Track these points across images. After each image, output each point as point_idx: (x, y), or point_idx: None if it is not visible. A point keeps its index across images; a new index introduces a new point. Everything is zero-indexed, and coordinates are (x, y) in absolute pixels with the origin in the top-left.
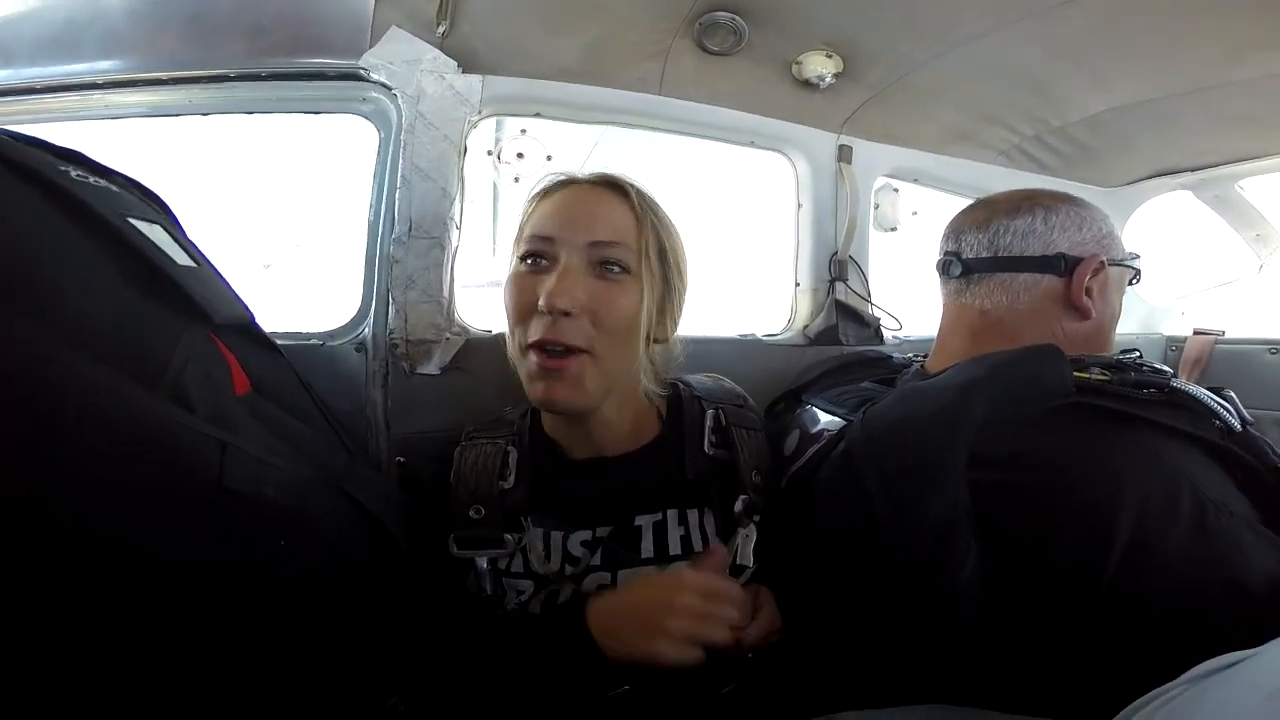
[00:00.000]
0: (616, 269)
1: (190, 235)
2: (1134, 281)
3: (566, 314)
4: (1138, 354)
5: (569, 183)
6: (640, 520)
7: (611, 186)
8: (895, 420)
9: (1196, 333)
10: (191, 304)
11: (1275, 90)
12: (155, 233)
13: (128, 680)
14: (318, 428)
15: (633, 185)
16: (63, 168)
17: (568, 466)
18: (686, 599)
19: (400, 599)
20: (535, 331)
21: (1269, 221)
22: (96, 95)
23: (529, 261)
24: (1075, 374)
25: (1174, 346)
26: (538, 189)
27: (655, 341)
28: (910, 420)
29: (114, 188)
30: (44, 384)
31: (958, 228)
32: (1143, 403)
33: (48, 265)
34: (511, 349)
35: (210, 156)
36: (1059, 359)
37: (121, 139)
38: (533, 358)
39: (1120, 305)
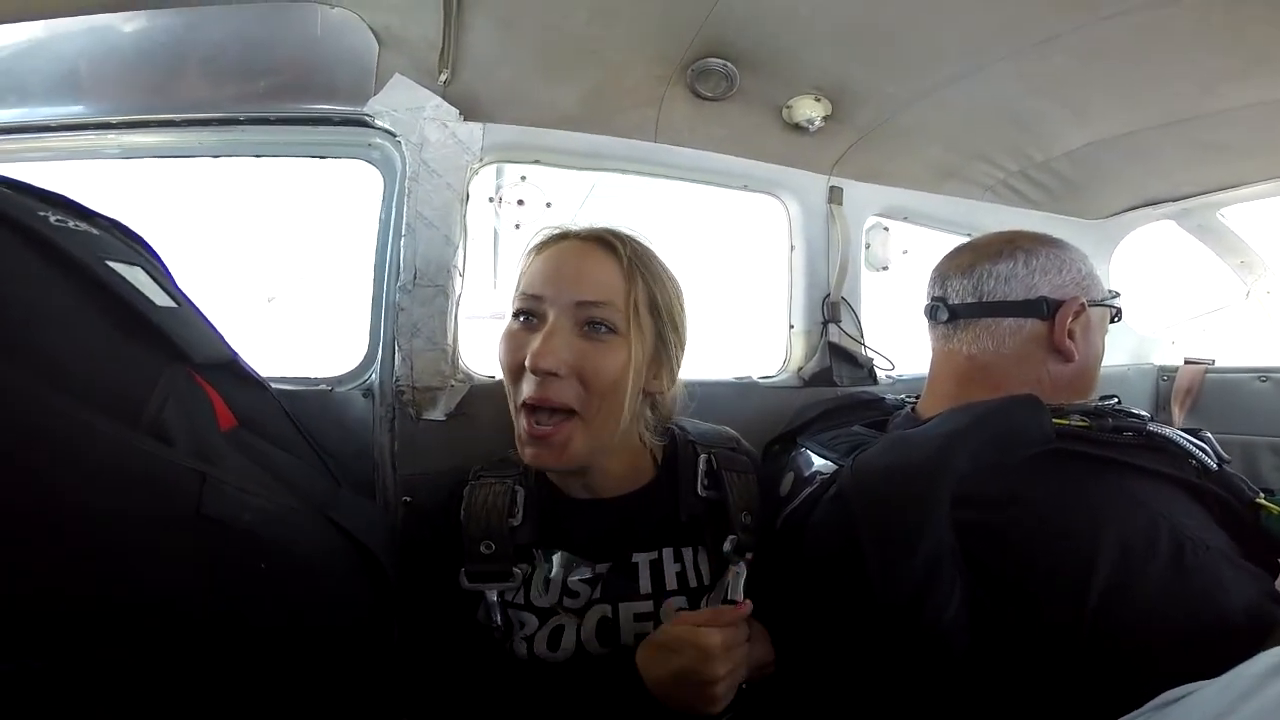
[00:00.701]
0: (603, 329)
1: (174, 276)
2: (1115, 320)
3: (553, 374)
4: (1116, 400)
5: (563, 237)
6: (638, 558)
7: (602, 243)
8: (884, 468)
9: (1187, 362)
10: (170, 344)
11: (1249, 120)
12: (135, 274)
13: (107, 709)
14: (306, 459)
15: (625, 240)
16: (41, 213)
17: (571, 506)
18: (720, 668)
19: (390, 631)
20: (526, 391)
21: (1252, 248)
22: (110, 135)
23: (521, 319)
24: (1055, 421)
25: (1165, 376)
26: (533, 243)
27: (648, 394)
28: (897, 468)
29: (94, 230)
30: (18, 421)
31: (943, 273)
32: (1121, 446)
33: (24, 310)
34: (510, 402)
35: (220, 195)
36: (1038, 409)
37: (131, 176)
38: (522, 422)
39: (1103, 345)
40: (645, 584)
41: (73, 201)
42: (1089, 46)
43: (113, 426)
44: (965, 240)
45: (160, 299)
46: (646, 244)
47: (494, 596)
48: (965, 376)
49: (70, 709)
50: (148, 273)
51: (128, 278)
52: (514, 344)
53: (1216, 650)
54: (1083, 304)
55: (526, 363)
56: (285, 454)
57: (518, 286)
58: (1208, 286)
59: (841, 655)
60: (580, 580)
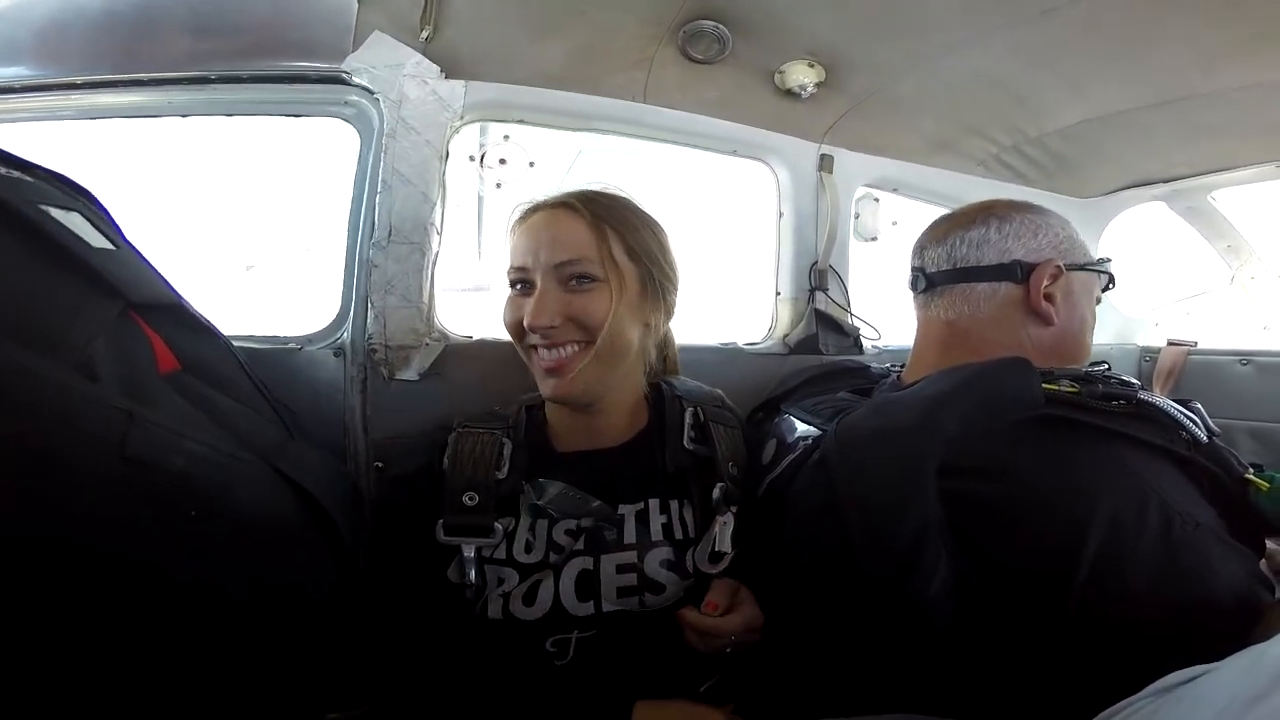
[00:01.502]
0: (585, 280)
1: (117, 222)
2: (1108, 288)
3: (551, 328)
4: (1107, 366)
5: (536, 209)
6: (624, 509)
7: (567, 207)
8: (868, 431)
9: (1170, 344)
10: (104, 282)
11: (1246, 101)
12: (71, 219)
13: (17, 655)
14: (258, 409)
15: (588, 198)
16: None
17: (558, 459)
18: None
19: (348, 591)
20: (534, 341)
21: (1240, 233)
22: (75, 96)
23: (516, 288)
24: (1045, 386)
25: (1148, 357)
26: (513, 220)
27: (653, 327)
28: (883, 432)
29: (28, 179)
30: None
31: (922, 244)
32: (1111, 415)
33: None
34: (522, 355)
35: (196, 158)
36: (1029, 371)
37: (111, 140)
38: (537, 360)
39: (1091, 312)
40: (630, 535)
41: (10, 154)
42: (1089, 19)
43: (31, 358)
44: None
45: (96, 240)
46: (617, 196)
47: (470, 551)
48: (945, 342)
49: None
50: (85, 217)
51: (63, 222)
52: (513, 308)
53: (1202, 629)
54: (1059, 266)
55: (527, 323)
56: (232, 401)
57: (510, 255)
58: (1193, 269)
59: (825, 625)
60: (565, 532)
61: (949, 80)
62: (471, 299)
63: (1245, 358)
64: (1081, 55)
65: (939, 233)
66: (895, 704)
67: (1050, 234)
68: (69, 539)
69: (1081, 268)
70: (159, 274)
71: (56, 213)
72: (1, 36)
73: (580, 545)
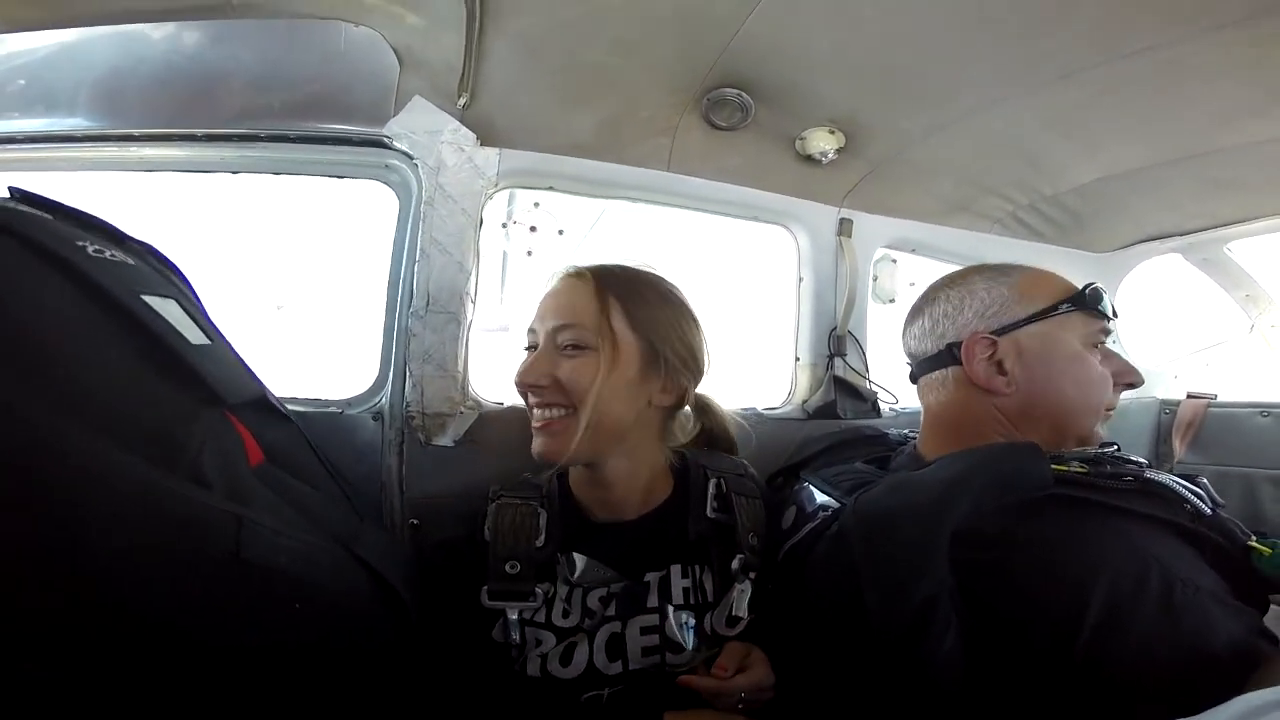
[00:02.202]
0: (576, 347)
1: (204, 304)
2: (1107, 319)
3: (538, 386)
4: (1116, 447)
5: (558, 276)
6: (649, 576)
7: (578, 275)
8: (886, 510)
9: (1190, 396)
10: (205, 386)
11: (1261, 155)
12: (169, 309)
13: None
14: (328, 491)
15: (600, 268)
16: (80, 242)
17: (590, 529)
18: None
19: (407, 657)
20: (529, 400)
21: (1258, 282)
22: (133, 148)
23: (527, 350)
24: (1055, 467)
25: (1168, 410)
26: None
27: (657, 405)
28: (899, 511)
29: (129, 260)
30: (66, 470)
31: (903, 332)
32: (1117, 492)
33: (68, 350)
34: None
35: (232, 206)
36: (1038, 456)
37: (148, 186)
38: (531, 418)
39: (1072, 363)
40: (653, 599)
41: (107, 225)
42: (1107, 82)
43: (150, 469)
44: None
45: (194, 336)
46: (638, 270)
47: (514, 615)
48: (936, 423)
49: None
50: (181, 306)
51: (162, 313)
52: (519, 368)
53: (1201, 684)
54: (985, 337)
55: (516, 379)
56: (309, 488)
57: None
58: (1212, 320)
59: (839, 685)
60: (598, 599)
61: (966, 143)
62: (494, 339)
63: (1266, 410)
64: (1099, 115)
65: (904, 327)
66: None
67: (975, 303)
68: (186, 639)
69: (1023, 323)
70: (246, 366)
71: (154, 302)
72: (65, 80)
73: (611, 611)
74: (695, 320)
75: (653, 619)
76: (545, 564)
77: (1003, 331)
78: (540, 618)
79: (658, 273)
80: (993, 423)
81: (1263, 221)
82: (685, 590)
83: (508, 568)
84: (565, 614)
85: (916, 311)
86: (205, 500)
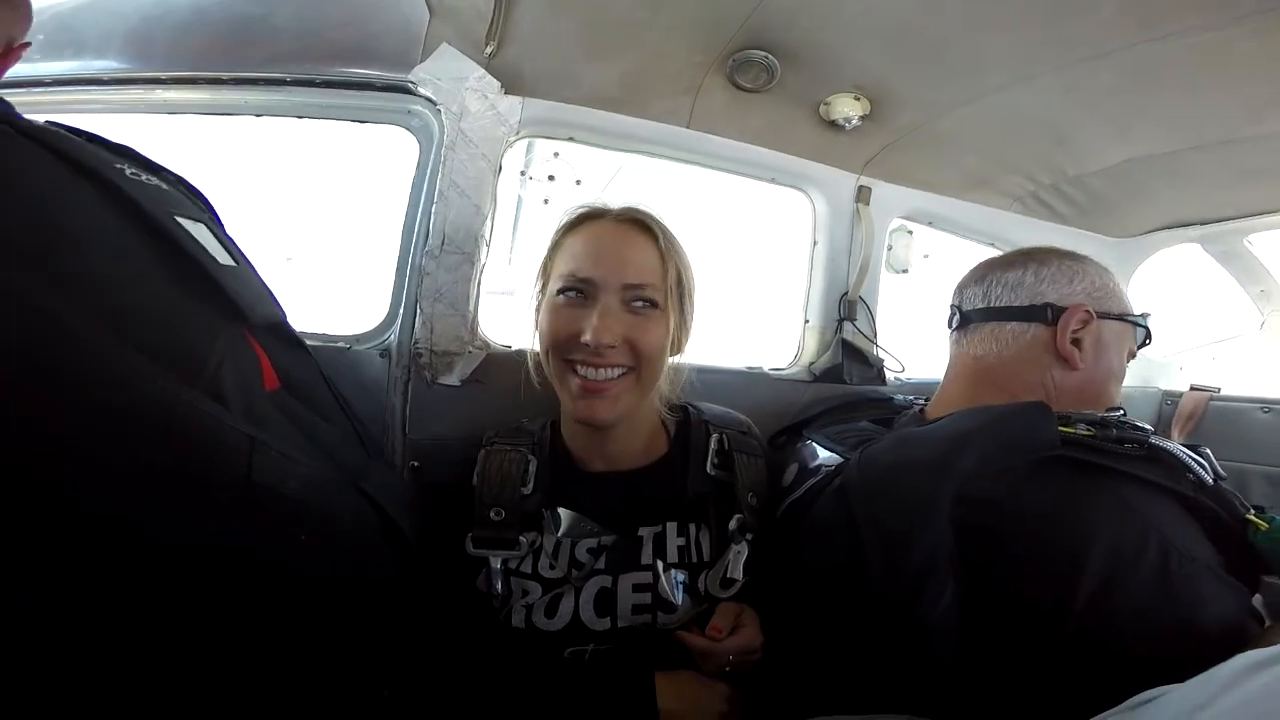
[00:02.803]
0: (648, 306)
1: (229, 232)
2: (1145, 344)
3: (610, 347)
4: (1122, 412)
5: (598, 215)
6: (643, 531)
7: (641, 227)
8: (889, 464)
9: (1193, 388)
10: (230, 303)
11: None
12: (199, 231)
13: (142, 659)
14: (339, 425)
15: (659, 224)
16: (118, 165)
17: (582, 478)
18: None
19: (406, 595)
20: (579, 357)
21: (1274, 277)
22: (159, 91)
23: (568, 295)
24: (1061, 429)
25: (1169, 401)
26: (567, 220)
27: (671, 357)
28: (903, 465)
29: (163, 185)
30: (92, 373)
31: (961, 284)
32: (1121, 456)
33: (101, 256)
34: (548, 368)
35: (237, 152)
36: (1046, 416)
37: (163, 130)
38: (575, 381)
39: (1121, 363)
40: (647, 555)
41: (140, 155)
42: (1140, 65)
43: (175, 385)
44: (989, 249)
45: (222, 257)
46: (667, 224)
47: (497, 563)
48: (972, 378)
49: (103, 656)
50: (210, 229)
51: (194, 234)
52: (565, 318)
53: (1190, 657)
54: (1088, 311)
55: (586, 337)
56: (321, 419)
57: (551, 263)
58: (1223, 314)
59: (832, 643)
60: (586, 550)
61: (994, 118)
62: (499, 301)
63: (1267, 406)
64: (1131, 98)
65: (978, 273)
66: (893, 710)
67: (1086, 281)
68: (189, 562)
69: (1115, 317)
70: (269, 290)
71: (188, 224)
72: (97, 27)
73: (601, 564)
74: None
75: (646, 576)
76: (532, 514)
77: (1101, 316)
78: (526, 567)
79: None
80: (1039, 388)
81: None
82: (680, 548)
83: (492, 514)
84: (552, 566)
85: (1013, 264)
86: (221, 418)
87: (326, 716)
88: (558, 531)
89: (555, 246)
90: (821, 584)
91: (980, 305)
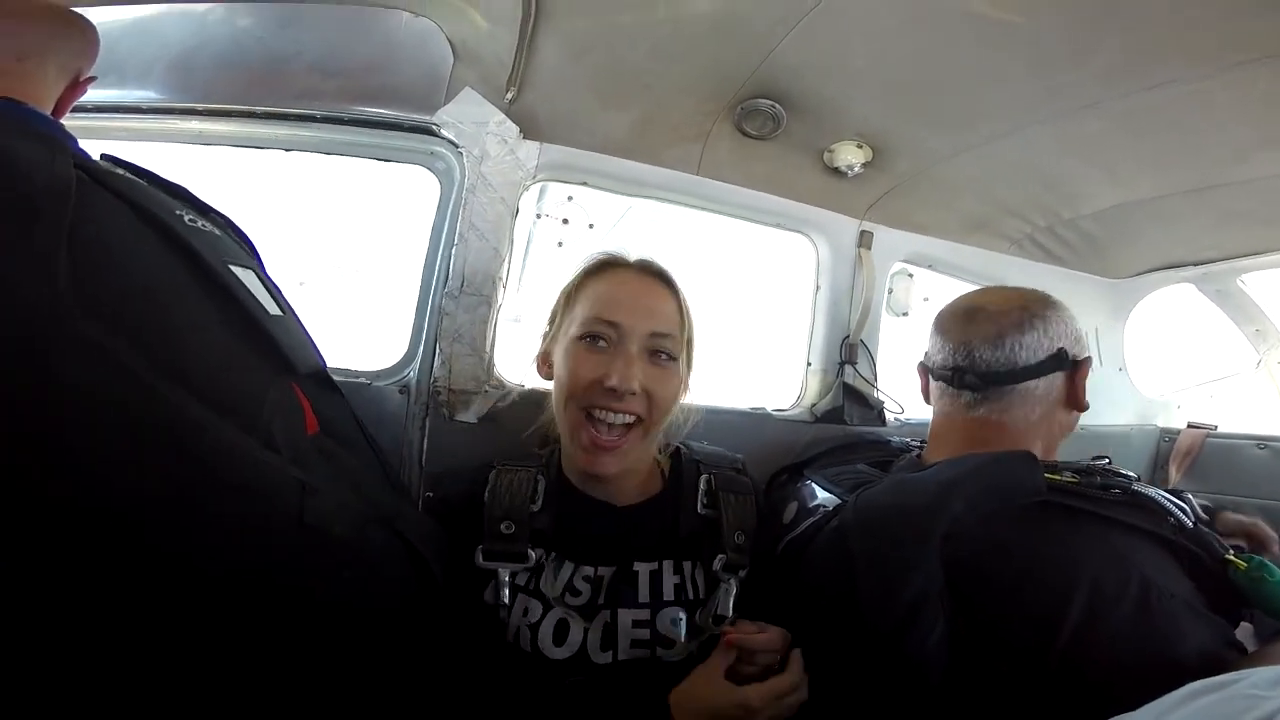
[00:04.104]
0: (666, 358)
1: (272, 278)
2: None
3: (632, 394)
4: (1107, 460)
5: (620, 264)
6: (639, 566)
7: (663, 280)
8: (884, 507)
9: (1190, 426)
10: (281, 355)
11: (1277, 188)
12: (250, 279)
13: (202, 689)
14: (370, 464)
15: (671, 278)
16: (177, 211)
17: (585, 504)
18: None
19: (432, 624)
20: (600, 402)
21: (1269, 317)
22: (194, 121)
23: (589, 341)
24: (1048, 476)
25: (1167, 438)
26: (588, 266)
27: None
28: (896, 508)
29: (216, 231)
30: (164, 426)
31: (966, 343)
32: (1105, 502)
33: (167, 310)
34: (562, 414)
35: (265, 180)
36: (1033, 465)
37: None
38: (588, 433)
39: None
40: (644, 593)
41: (193, 195)
42: (1128, 113)
43: (236, 434)
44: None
45: (271, 307)
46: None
47: (506, 575)
48: (983, 439)
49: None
50: (258, 276)
51: (246, 283)
52: (589, 364)
53: (1168, 688)
54: (1088, 357)
55: (612, 381)
56: (355, 461)
57: (571, 305)
58: (1219, 353)
59: (828, 673)
60: (583, 579)
61: (990, 165)
62: (507, 328)
63: (1263, 443)
64: (1118, 145)
65: (988, 333)
66: None
67: (1074, 324)
68: (256, 597)
69: (1086, 360)
70: (310, 339)
71: (239, 272)
72: (139, 55)
73: (601, 599)
74: None
75: (644, 614)
76: (540, 530)
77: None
78: (530, 584)
79: None
80: (1047, 435)
81: (1277, 255)
82: (675, 586)
83: (503, 528)
84: (552, 584)
85: (1019, 325)
86: (276, 464)
87: None
88: (554, 582)
89: (576, 288)
90: (820, 616)
91: (1003, 369)
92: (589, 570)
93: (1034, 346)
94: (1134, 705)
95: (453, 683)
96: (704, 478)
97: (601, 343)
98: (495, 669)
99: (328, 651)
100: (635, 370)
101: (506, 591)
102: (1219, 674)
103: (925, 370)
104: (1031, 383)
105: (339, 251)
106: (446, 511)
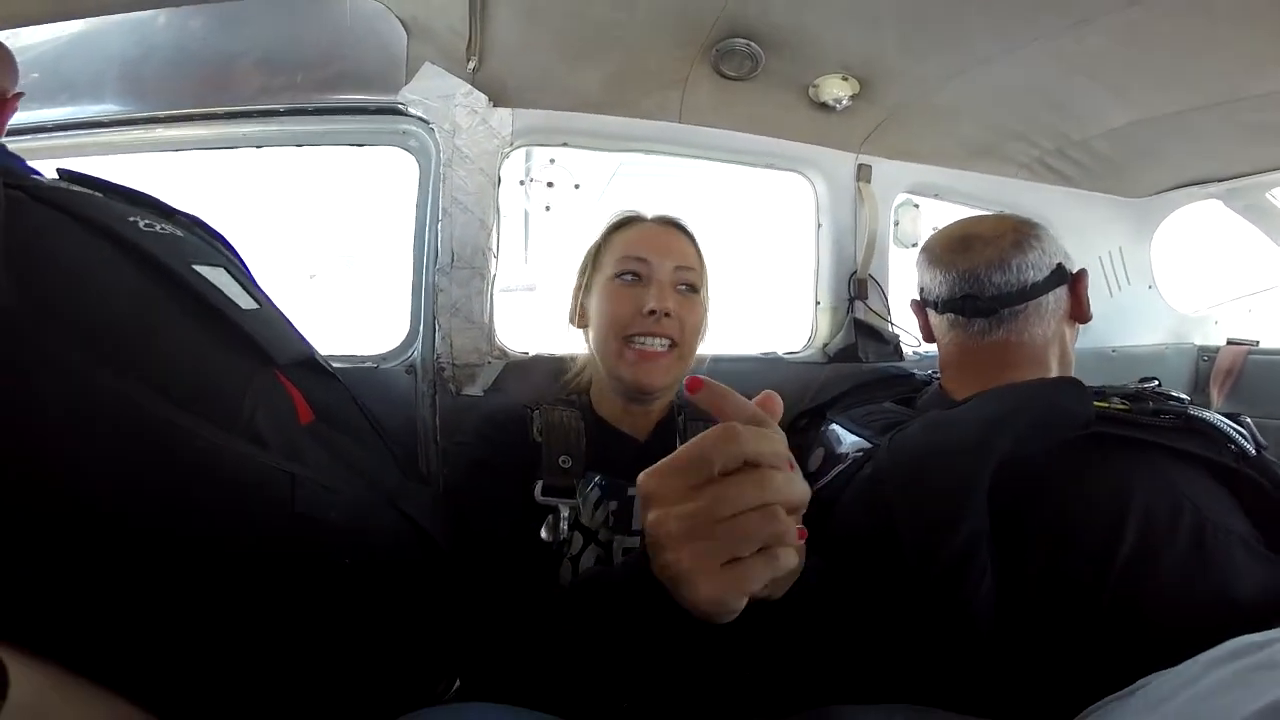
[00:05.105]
0: (691, 289)
1: (251, 271)
2: None
3: (667, 314)
4: (1157, 382)
5: (640, 219)
6: (632, 491)
7: (680, 229)
8: (923, 450)
9: (1230, 343)
10: (257, 347)
11: None
12: (219, 276)
13: (204, 676)
14: (373, 447)
15: (691, 229)
16: (131, 217)
17: (616, 440)
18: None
19: (443, 598)
20: (639, 329)
21: None
22: (158, 129)
23: (625, 277)
24: (1096, 404)
25: (1206, 356)
26: (612, 223)
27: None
28: (938, 451)
29: (179, 232)
30: (136, 432)
31: (971, 270)
32: (1158, 429)
33: (128, 319)
34: (603, 349)
35: (267, 182)
36: (1081, 391)
37: (188, 165)
38: (631, 353)
39: None
40: (636, 521)
41: (155, 200)
42: (1127, 28)
43: (214, 433)
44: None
45: (244, 301)
46: None
47: (565, 511)
48: (1011, 364)
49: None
50: (230, 273)
51: (213, 281)
52: (624, 297)
53: (1224, 629)
54: (1084, 270)
55: (651, 305)
56: (357, 445)
57: (600, 256)
58: (1255, 265)
59: (868, 627)
60: (610, 512)
61: (985, 89)
62: (522, 299)
63: None
64: (1121, 61)
65: (991, 258)
66: (917, 695)
67: (1062, 248)
68: (251, 588)
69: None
70: (294, 328)
71: (206, 271)
72: (86, 71)
73: (611, 526)
74: None
75: (635, 540)
76: (592, 464)
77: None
78: (574, 518)
79: None
80: (1060, 353)
81: None
82: None
83: (561, 461)
84: (591, 518)
85: (1020, 246)
86: (263, 459)
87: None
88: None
89: (603, 244)
90: (857, 569)
91: (1014, 289)
92: (613, 504)
93: (1037, 264)
94: (1189, 650)
95: (505, 624)
96: (680, 417)
97: (633, 278)
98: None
99: (338, 632)
100: (668, 294)
101: (565, 526)
102: (1276, 616)
103: (922, 307)
104: (1042, 298)
105: (347, 242)
106: (498, 452)
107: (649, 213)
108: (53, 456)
